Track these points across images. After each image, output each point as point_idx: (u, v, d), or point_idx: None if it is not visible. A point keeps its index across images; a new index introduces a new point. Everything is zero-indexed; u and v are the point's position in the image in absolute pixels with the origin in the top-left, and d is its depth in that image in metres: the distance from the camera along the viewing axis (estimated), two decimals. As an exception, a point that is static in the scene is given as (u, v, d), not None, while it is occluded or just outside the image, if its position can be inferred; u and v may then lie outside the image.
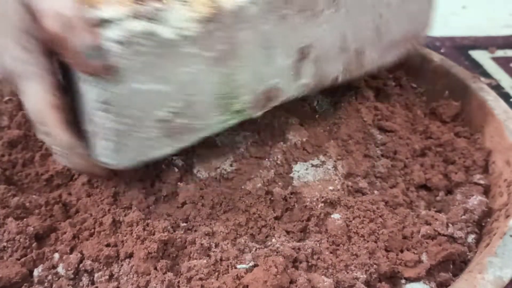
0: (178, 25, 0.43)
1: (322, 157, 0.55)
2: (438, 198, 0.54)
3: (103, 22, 0.40)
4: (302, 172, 0.53)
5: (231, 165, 0.53)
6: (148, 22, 0.41)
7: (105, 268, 0.45)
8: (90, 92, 0.43)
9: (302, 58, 0.51)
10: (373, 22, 0.54)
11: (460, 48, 1.02)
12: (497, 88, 0.88)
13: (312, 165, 0.54)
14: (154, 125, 0.46)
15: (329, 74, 0.54)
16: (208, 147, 0.54)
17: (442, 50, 0.97)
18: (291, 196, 0.50)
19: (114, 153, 0.46)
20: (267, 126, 0.57)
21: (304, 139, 0.56)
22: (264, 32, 0.47)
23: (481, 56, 0.99)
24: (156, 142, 0.47)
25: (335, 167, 0.54)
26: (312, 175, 0.53)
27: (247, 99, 0.49)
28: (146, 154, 0.47)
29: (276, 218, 0.49)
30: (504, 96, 0.86)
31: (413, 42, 0.58)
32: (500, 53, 1.01)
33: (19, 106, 0.61)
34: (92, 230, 0.48)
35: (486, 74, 0.93)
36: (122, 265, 0.45)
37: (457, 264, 0.47)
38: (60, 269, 0.45)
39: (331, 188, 0.51)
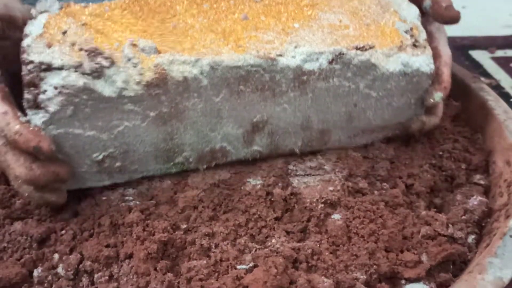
0: (120, 85, 0.44)
1: (321, 159, 0.55)
2: (438, 198, 0.54)
3: (49, 66, 0.44)
4: (302, 173, 0.53)
5: (228, 171, 0.53)
6: (90, 79, 0.44)
7: (105, 268, 0.45)
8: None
9: (256, 130, 0.52)
10: (346, 109, 0.53)
11: (460, 48, 1.02)
12: (497, 88, 0.88)
13: (311, 167, 0.54)
14: (91, 164, 0.48)
15: (285, 146, 0.54)
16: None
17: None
18: (291, 197, 0.50)
19: None
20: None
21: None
22: (214, 103, 0.48)
23: (481, 56, 0.99)
24: (94, 176, 0.50)
25: (334, 169, 0.54)
26: (312, 176, 0.52)
27: (189, 155, 0.51)
28: (84, 184, 0.50)
29: (276, 218, 0.49)
30: (504, 96, 0.86)
31: (399, 129, 0.57)
32: (500, 53, 1.01)
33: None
34: (92, 231, 0.48)
35: (486, 74, 0.93)
36: (122, 265, 0.45)
37: (457, 264, 0.47)
38: (60, 270, 0.45)
39: (331, 188, 0.50)
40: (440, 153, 0.58)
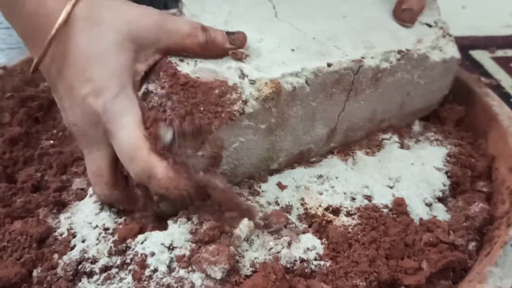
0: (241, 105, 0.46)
1: (325, 163, 0.55)
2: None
3: None
4: (305, 178, 0.53)
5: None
6: None
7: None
8: None
9: (336, 129, 0.56)
10: (401, 99, 0.59)
11: (460, 48, 1.00)
12: (497, 88, 0.87)
13: (314, 173, 0.53)
14: None
15: (352, 140, 0.59)
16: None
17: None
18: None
19: None
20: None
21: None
22: (312, 108, 0.52)
23: (481, 56, 0.99)
24: None
25: (337, 175, 0.53)
26: (315, 182, 0.52)
27: (282, 160, 0.54)
28: None
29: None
30: (504, 96, 0.85)
31: (427, 110, 0.64)
32: (500, 53, 1.01)
33: (21, 103, 0.60)
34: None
35: (486, 74, 0.93)
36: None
37: (457, 271, 0.47)
38: (59, 270, 0.45)
39: (333, 194, 0.50)
40: (447, 158, 0.58)
